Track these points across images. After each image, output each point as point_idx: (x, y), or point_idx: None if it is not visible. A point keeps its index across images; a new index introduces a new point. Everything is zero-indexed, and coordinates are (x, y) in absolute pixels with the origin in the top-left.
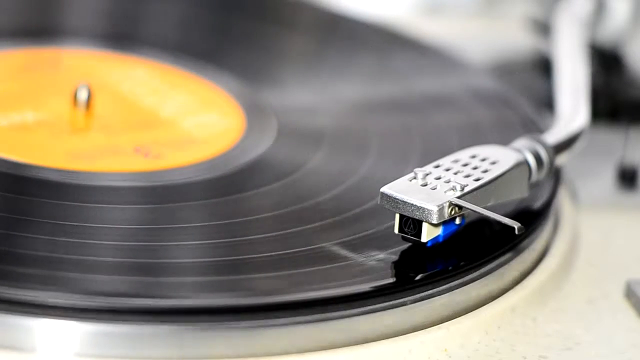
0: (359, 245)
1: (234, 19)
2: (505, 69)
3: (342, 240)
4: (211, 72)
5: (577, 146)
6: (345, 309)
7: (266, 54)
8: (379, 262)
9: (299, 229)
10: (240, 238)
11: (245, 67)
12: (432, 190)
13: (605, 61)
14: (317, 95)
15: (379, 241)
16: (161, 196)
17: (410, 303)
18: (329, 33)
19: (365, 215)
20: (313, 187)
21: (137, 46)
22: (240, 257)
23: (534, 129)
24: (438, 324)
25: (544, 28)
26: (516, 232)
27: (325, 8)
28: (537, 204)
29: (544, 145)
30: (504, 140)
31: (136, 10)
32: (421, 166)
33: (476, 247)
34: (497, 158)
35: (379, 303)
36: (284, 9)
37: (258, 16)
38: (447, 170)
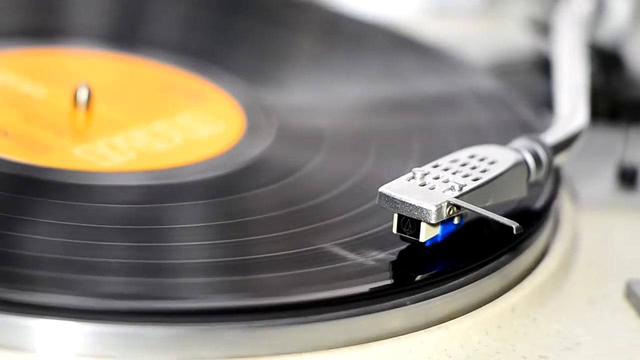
0: (359, 245)
1: (235, 18)
2: (505, 69)
3: (341, 240)
4: (212, 72)
5: (576, 146)
6: (345, 309)
7: (267, 54)
8: (379, 262)
9: (298, 229)
10: (240, 239)
11: (246, 67)
12: (431, 190)
13: (605, 61)
14: (317, 96)
15: (379, 241)
16: (161, 196)
17: (410, 303)
18: (329, 33)
19: (364, 215)
20: (313, 188)
21: (137, 46)
22: (240, 258)
23: (533, 129)
24: (438, 324)
25: (544, 28)
26: (514, 232)
27: (326, 8)
28: (537, 204)
29: (543, 145)
30: (503, 140)
31: (137, 10)
32: (420, 166)
33: (476, 247)
34: (495, 158)
35: (379, 303)
36: (285, 9)
37: (259, 16)
38: (446, 170)
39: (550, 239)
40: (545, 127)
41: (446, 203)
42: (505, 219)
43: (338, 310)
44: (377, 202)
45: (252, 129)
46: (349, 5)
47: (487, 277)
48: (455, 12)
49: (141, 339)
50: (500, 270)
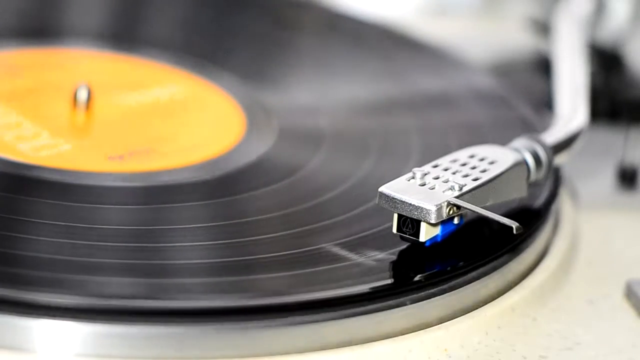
0: (359, 245)
1: (235, 18)
2: (505, 69)
3: (341, 240)
4: (211, 72)
5: (576, 146)
6: (345, 310)
7: (267, 53)
8: (379, 262)
9: (298, 229)
10: (240, 239)
11: (246, 67)
12: (431, 190)
13: (605, 61)
14: (318, 96)
15: (379, 241)
16: (161, 197)
17: (410, 303)
18: (329, 33)
19: (364, 215)
20: (313, 188)
21: (137, 46)
22: (240, 258)
23: (533, 129)
24: (438, 324)
25: (544, 28)
26: (514, 231)
27: (326, 8)
28: (537, 203)
29: (543, 145)
30: (503, 140)
31: (137, 11)
32: (420, 166)
33: (476, 247)
34: (495, 158)
35: (379, 303)
36: (286, 9)
37: (259, 16)
38: (446, 170)
39: (550, 238)
40: (545, 127)
41: (446, 203)
42: (505, 218)
43: (338, 310)
44: (377, 202)
45: (253, 130)
46: (349, 5)
47: (487, 277)
48: (455, 11)
49: (141, 339)
50: (500, 270)
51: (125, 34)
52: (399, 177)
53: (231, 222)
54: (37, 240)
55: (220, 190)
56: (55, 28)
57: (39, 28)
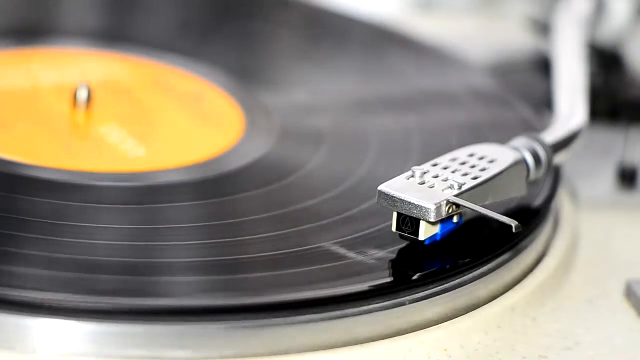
0: (358, 244)
1: (233, 18)
2: (505, 69)
3: (341, 239)
4: (210, 72)
5: (576, 145)
6: (344, 309)
7: (266, 53)
8: (378, 261)
9: (297, 228)
10: (240, 238)
11: (246, 67)
12: (430, 189)
13: (605, 61)
14: (317, 95)
15: (378, 240)
16: (160, 197)
17: (410, 303)
18: (328, 32)
19: (364, 214)
20: (312, 187)
21: (137, 46)
22: (240, 257)
23: (532, 128)
24: (438, 324)
25: (543, 28)
26: (514, 230)
27: (325, 7)
28: (537, 203)
29: (542, 144)
30: (503, 139)
31: (136, 10)
32: (420, 164)
33: (476, 247)
34: (495, 157)
35: (379, 303)
36: (283, 8)
37: (257, 15)
38: (445, 168)
39: (551, 238)
40: (544, 127)
41: (445, 202)
42: (504, 217)
43: (338, 309)
44: (376, 201)
45: (252, 130)
46: (345, 3)
47: (487, 276)
48: (448, 8)
49: (141, 338)
50: (500, 270)
51: (123, 33)
52: (398, 175)
53: (230, 221)
54: (36, 240)
55: (220, 190)
56: (47, 28)
57: (37, 28)
